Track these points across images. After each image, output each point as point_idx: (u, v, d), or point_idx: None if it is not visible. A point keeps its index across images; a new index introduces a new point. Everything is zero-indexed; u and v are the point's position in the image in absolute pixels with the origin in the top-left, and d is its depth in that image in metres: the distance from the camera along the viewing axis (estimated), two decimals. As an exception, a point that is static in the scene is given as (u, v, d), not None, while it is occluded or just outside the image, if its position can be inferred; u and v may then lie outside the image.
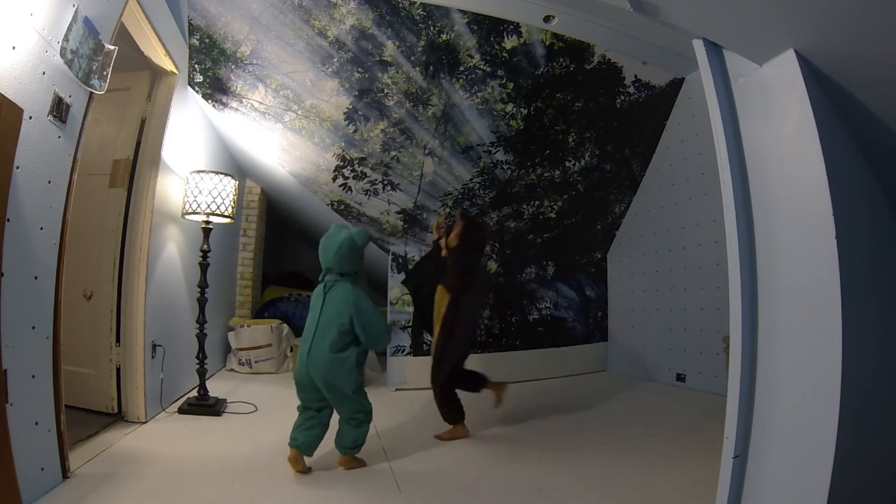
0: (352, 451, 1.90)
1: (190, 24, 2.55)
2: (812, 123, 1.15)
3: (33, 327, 1.47)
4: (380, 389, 3.33)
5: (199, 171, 2.53)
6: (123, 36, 2.00)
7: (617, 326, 4.07)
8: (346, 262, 1.90)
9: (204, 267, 2.60)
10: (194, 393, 2.63)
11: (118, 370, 2.27)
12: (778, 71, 1.24)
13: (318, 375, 1.81)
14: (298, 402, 1.94)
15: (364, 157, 3.17)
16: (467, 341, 2.44)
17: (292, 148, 3.11)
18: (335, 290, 1.90)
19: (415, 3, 2.60)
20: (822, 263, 1.13)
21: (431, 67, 2.86)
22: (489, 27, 2.77)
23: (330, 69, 2.77)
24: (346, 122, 2.99)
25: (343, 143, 3.09)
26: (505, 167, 3.41)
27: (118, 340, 2.27)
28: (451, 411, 2.35)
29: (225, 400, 2.65)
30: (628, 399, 3.15)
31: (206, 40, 2.61)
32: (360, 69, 2.80)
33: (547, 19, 2.74)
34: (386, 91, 2.91)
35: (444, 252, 2.47)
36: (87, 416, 2.18)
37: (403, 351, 3.42)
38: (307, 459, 1.87)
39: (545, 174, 3.55)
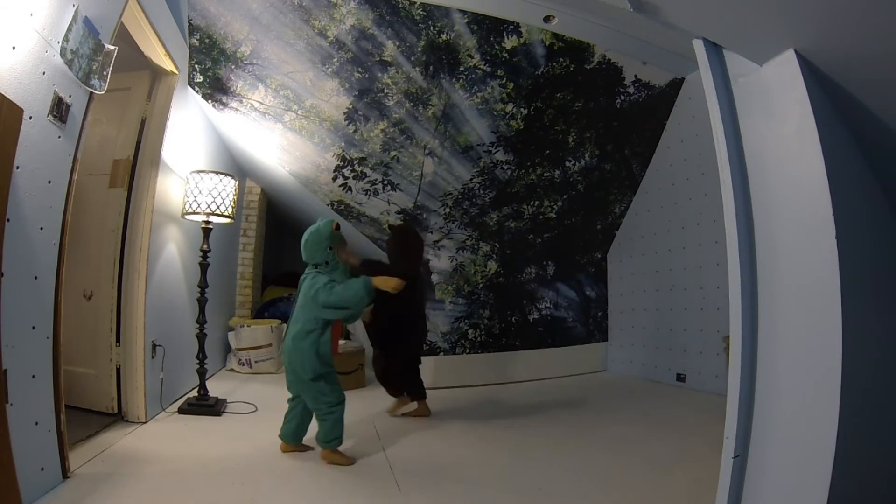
0: (327, 445, 1.95)
1: (190, 24, 2.55)
2: (812, 123, 1.15)
3: (33, 327, 1.47)
4: (380, 389, 3.33)
5: (199, 171, 2.53)
6: (123, 36, 2.00)
7: (617, 326, 4.07)
8: (314, 252, 1.99)
9: (204, 267, 2.60)
10: (194, 393, 2.62)
11: (118, 370, 2.27)
12: (778, 71, 1.24)
13: (287, 363, 1.98)
14: None
15: (364, 157, 3.17)
16: (425, 329, 2.91)
17: (292, 148, 3.11)
18: (305, 282, 2.01)
19: (415, 3, 2.60)
20: (822, 263, 1.12)
21: (431, 67, 2.86)
22: (489, 27, 2.77)
23: (330, 69, 2.77)
24: (346, 122, 2.99)
25: (343, 143, 3.09)
26: (505, 167, 3.41)
27: (118, 340, 2.27)
28: (421, 386, 2.69)
29: (225, 400, 2.65)
30: (628, 399, 3.14)
31: (206, 40, 2.61)
32: (360, 69, 2.80)
33: (547, 19, 2.74)
34: (386, 91, 2.91)
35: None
36: (87, 416, 2.18)
37: (403, 351, 3.42)
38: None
39: (545, 174, 3.55)
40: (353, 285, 1.93)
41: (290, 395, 2.07)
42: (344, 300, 1.91)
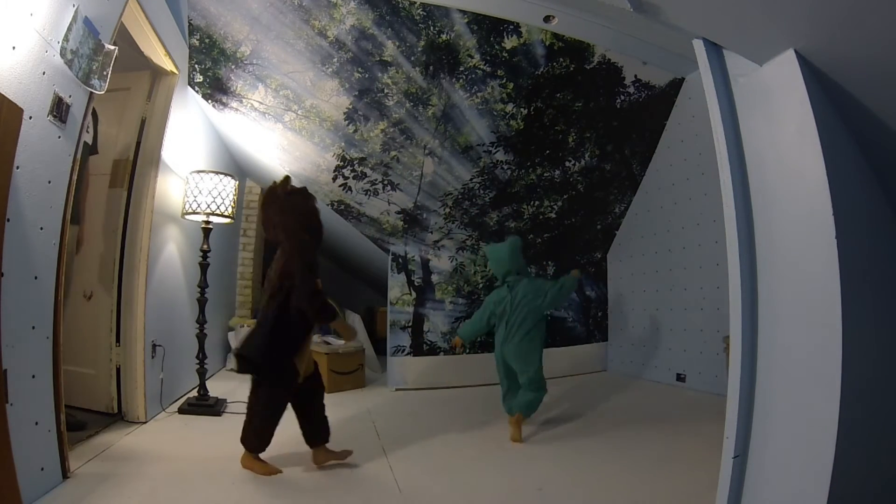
0: (527, 413, 2.33)
1: (190, 24, 2.55)
2: (812, 123, 1.15)
3: (33, 327, 1.47)
4: (380, 389, 3.33)
5: (199, 171, 2.53)
6: (123, 36, 2.00)
7: (617, 326, 4.07)
8: (518, 261, 2.43)
9: (204, 267, 2.60)
10: (194, 393, 2.63)
11: (118, 370, 2.27)
12: (778, 71, 1.24)
13: (512, 358, 2.34)
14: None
15: (364, 157, 3.17)
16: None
17: (292, 148, 3.11)
18: (521, 289, 2.37)
19: (415, 3, 2.60)
20: (822, 263, 1.12)
21: (431, 67, 2.86)
22: (489, 27, 2.77)
23: (330, 69, 2.77)
24: (346, 122, 2.99)
25: (343, 143, 3.09)
26: (505, 167, 3.41)
27: (118, 340, 2.27)
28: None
29: (225, 400, 2.65)
30: (628, 399, 3.14)
31: (206, 40, 2.61)
32: (360, 69, 2.80)
33: (547, 19, 2.74)
34: (386, 91, 2.91)
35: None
36: (87, 416, 2.18)
37: (403, 351, 3.42)
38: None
39: (545, 174, 3.55)
40: (568, 283, 2.45)
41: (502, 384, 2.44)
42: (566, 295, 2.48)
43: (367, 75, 2.83)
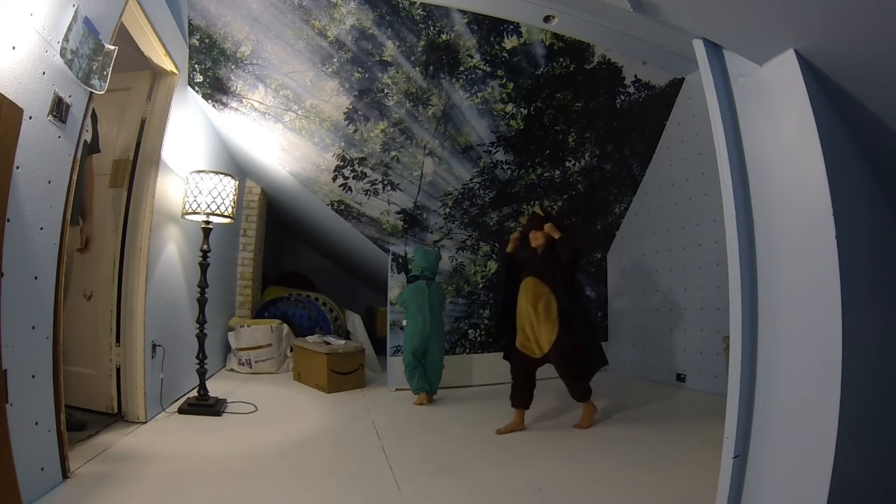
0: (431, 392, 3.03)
1: (190, 24, 2.55)
2: (812, 123, 1.15)
3: (33, 327, 1.47)
4: (380, 389, 3.33)
5: (199, 171, 2.53)
6: (123, 36, 2.00)
7: (617, 326, 4.07)
8: (436, 267, 3.19)
9: (204, 267, 2.60)
10: (194, 393, 2.62)
11: (118, 370, 2.27)
12: (778, 71, 1.24)
13: (430, 334, 3.00)
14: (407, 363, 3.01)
15: (364, 157, 3.17)
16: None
17: (292, 148, 3.11)
18: (433, 288, 3.09)
19: (415, 3, 2.60)
20: (822, 263, 1.12)
21: (431, 67, 2.86)
22: (489, 27, 2.77)
23: (330, 69, 2.77)
24: (346, 122, 2.99)
25: (343, 143, 3.09)
26: (505, 167, 3.41)
27: (118, 340, 2.27)
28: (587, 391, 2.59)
29: (225, 400, 2.65)
30: (628, 399, 3.14)
31: (206, 40, 2.61)
32: (360, 69, 2.80)
33: (547, 19, 2.74)
34: (386, 91, 2.91)
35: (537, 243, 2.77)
36: (87, 416, 2.18)
37: (403, 351, 3.42)
38: None
39: (545, 174, 3.55)
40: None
41: (412, 362, 2.99)
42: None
43: (367, 75, 2.83)
